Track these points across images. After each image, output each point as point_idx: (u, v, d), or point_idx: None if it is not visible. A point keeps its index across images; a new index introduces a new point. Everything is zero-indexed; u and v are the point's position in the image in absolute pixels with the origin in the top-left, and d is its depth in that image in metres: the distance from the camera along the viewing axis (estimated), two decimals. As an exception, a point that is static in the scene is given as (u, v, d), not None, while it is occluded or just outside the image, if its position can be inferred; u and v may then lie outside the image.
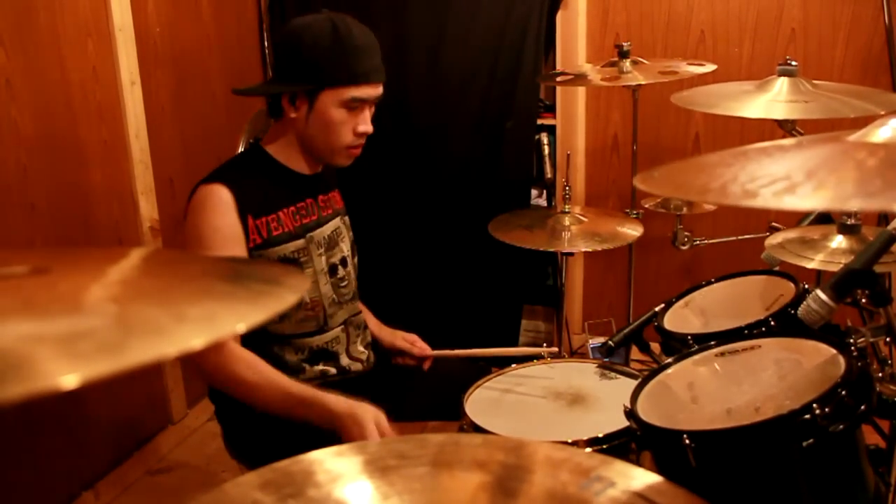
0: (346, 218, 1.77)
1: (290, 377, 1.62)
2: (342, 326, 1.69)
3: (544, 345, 2.97)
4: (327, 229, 1.67)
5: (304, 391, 1.46)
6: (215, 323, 0.53)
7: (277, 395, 1.46)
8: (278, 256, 1.56)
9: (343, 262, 1.70)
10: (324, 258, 1.65)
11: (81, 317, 0.53)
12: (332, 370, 1.68)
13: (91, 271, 0.68)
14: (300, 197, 1.63)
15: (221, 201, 1.50)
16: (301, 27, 1.54)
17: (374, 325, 1.85)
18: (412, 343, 1.82)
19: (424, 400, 1.77)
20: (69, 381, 0.43)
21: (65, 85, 2.16)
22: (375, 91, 1.56)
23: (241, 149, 2.82)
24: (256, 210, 1.53)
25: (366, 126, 1.57)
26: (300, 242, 1.60)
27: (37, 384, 0.42)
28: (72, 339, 0.48)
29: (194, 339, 0.50)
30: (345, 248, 1.71)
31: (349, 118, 1.54)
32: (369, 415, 1.39)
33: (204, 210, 1.51)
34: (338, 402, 1.42)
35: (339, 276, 1.68)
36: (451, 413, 1.49)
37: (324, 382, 1.65)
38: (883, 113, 1.51)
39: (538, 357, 1.67)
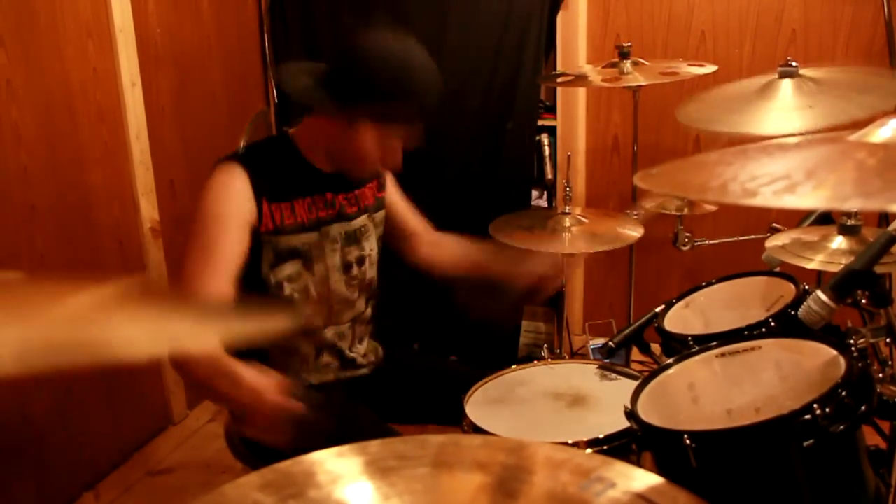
0: (380, 214, 1.73)
1: (297, 367, 1.63)
2: (350, 324, 1.69)
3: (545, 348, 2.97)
4: (349, 226, 1.64)
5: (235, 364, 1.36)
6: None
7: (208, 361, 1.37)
8: (287, 246, 1.55)
9: (360, 260, 1.67)
10: (338, 254, 1.63)
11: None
12: (336, 362, 1.68)
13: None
14: (318, 189, 1.59)
15: (234, 183, 1.48)
16: (374, 48, 1.48)
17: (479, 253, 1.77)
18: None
19: (425, 404, 1.77)
20: None
21: (65, 86, 2.17)
22: (415, 129, 1.53)
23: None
24: (271, 194, 1.52)
25: (395, 162, 1.54)
26: (313, 235, 1.58)
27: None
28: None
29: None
30: (367, 246, 1.68)
31: (381, 148, 1.52)
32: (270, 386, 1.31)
33: (213, 191, 1.49)
34: (247, 372, 1.34)
35: (352, 275, 1.66)
36: (451, 418, 1.49)
37: (332, 380, 1.66)
38: (890, 105, 1.49)
39: (537, 358, 1.67)
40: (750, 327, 1.34)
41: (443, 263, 1.82)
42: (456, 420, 1.46)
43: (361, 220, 1.67)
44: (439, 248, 1.85)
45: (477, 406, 1.48)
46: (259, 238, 1.52)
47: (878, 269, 1.12)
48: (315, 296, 1.61)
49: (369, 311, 1.76)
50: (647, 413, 1.13)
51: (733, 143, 0.92)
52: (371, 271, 1.72)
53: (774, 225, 1.92)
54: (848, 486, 1.04)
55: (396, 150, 1.53)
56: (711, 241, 2.40)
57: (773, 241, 1.52)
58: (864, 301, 1.19)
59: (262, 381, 1.32)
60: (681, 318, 1.57)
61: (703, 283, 1.64)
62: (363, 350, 1.74)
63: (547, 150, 3.01)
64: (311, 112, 1.59)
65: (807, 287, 1.41)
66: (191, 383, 1.45)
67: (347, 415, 1.59)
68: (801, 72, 1.72)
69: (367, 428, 1.52)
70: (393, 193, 1.81)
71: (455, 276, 1.79)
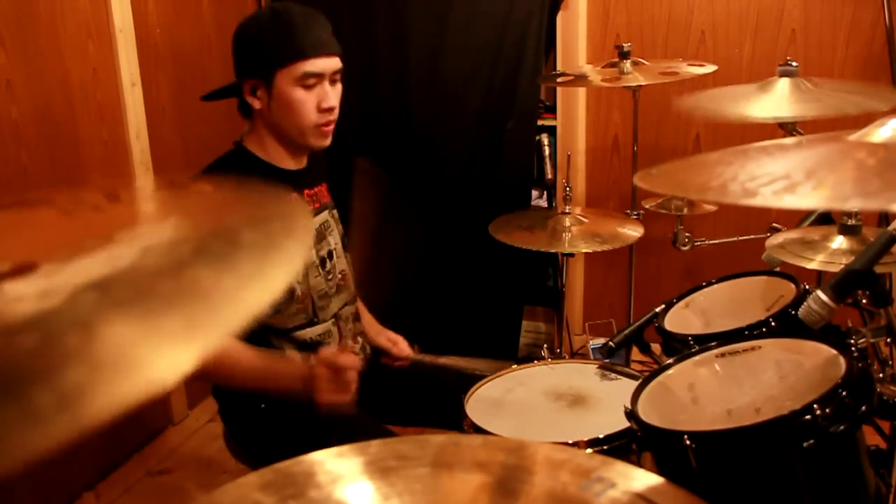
0: (335, 212, 1.77)
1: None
2: (333, 319, 1.70)
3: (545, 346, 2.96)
4: (315, 222, 1.67)
5: (270, 357, 1.48)
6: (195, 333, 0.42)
7: (245, 366, 1.46)
8: None
9: (330, 254, 1.70)
10: (312, 251, 1.65)
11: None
12: None
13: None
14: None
15: None
16: (245, 21, 1.59)
17: (366, 321, 1.85)
18: (394, 343, 1.82)
19: (421, 407, 1.77)
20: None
21: (65, 86, 2.16)
22: (328, 64, 1.55)
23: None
24: None
25: (328, 101, 1.55)
26: None
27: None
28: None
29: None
30: (332, 241, 1.72)
31: (309, 96, 1.54)
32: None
33: None
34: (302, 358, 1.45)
35: (327, 269, 1.69)
36: (449, 422, 1.49)
37: None
38: (886, 110, 1.50)
39: (537, 358, 1.67)
40: (750, 327, 1.34)
41: None
42: (454, 423, 1.46)
43: (323, 215, 1.71)
44: None
45: (477, 406, 1.48)
46: None
47: (878, 269, 1.12)
48: (300, 294, 1.62)
49: (352, 308, 1.77)
50: (647, 413, 1.13)
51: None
52: (340, 263, 1.74)
53: (774, 225, 1.93)
54: (848, 487, 1.04)
55: (324, 90, 1.56)
56: (711, 241, 2.40)
57: (774, 241, 1.52)
58: (864, 301, 1.19)
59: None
60: (681, 318, 1.57)
61: (703, 283, 1.64)
62: (349, 347, 1.74)
63: (547, 150, 3.01)
64: (246, 114, 1.63)
65: (807, 287, 1.41)
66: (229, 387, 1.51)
67: (346, 416, 1.59)
68: (801, 78, 1.72)
69: (365, 429, 1.52)
70: None
71: None
